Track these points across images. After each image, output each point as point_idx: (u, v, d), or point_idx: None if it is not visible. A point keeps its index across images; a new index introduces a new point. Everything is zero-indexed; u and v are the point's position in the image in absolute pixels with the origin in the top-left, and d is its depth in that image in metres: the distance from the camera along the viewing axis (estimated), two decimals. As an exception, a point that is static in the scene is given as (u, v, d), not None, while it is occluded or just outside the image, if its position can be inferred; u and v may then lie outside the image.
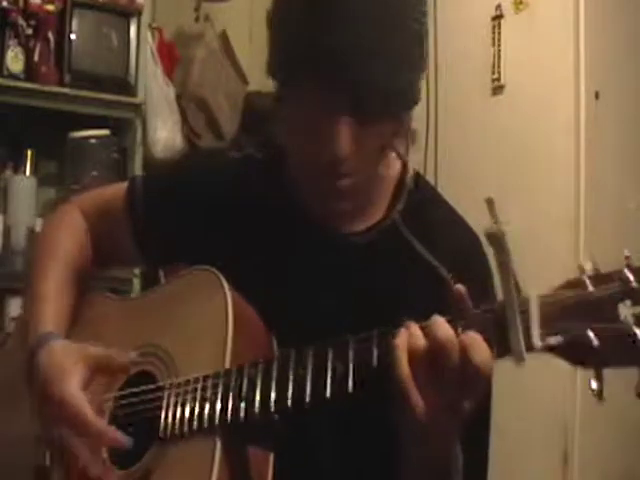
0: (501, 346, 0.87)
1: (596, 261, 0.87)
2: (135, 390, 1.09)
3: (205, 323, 1.06)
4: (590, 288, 0.85)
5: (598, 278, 0.86)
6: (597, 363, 0.83)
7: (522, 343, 0.84)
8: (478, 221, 1.19)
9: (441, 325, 0.89)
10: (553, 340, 0.84)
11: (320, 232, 1.15)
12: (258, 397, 0.97)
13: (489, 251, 1.11)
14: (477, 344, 0.87)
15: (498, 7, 3.04)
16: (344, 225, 1.16)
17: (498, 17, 3.05)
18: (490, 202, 0.86)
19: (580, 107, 2.82)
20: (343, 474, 1.11)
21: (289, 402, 0.95)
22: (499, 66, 3.05)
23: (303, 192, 1.16)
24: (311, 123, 1.05)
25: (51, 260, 1.24)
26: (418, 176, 1.20)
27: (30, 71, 2.82)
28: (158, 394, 1.05)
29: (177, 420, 1.01)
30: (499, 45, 3.05)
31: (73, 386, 1.05)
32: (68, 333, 1.17)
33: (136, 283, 2.98)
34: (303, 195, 1.16)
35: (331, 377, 0.93)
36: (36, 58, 2.82)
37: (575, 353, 0.84)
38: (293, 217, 1.16)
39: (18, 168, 2.95)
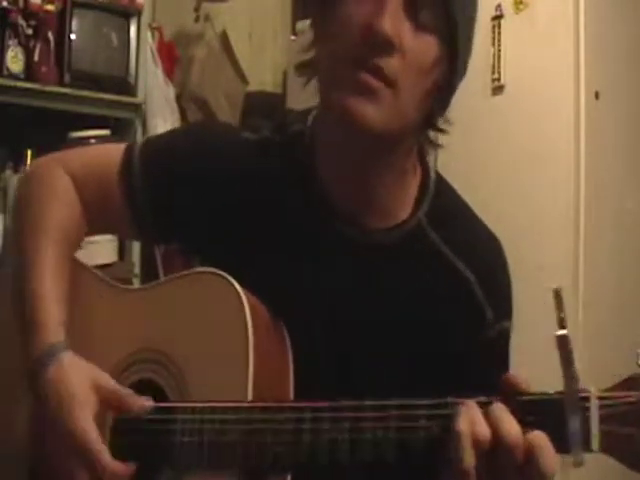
0: (558, 445, 0.84)
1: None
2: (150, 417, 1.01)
3: (221, 338, 1.00)
4: None
5: None
6: None
7: (582, 448, 0.83)
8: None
9: (506, 419, 0.85)
10: (611, 445, 0.83)
11: (344, 227, 1.09)
12: (288, 451, 0.92)
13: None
14: (544, 446, 0.83)
15: (498, 7, 3.04)
16: (370, 222, 1.10)
17: (498, 17, 3.04)
18: (558, 295, 0.84)
19: (580, 107, 2.82)
20: None
21: (323, 460, 0.91)
22: (499, 66, 3.05)
23: (326, 175, 1.09)
24: (354, 6, 0.97)
25: (45, 238, 1.11)
26: (440, 178, 1.17)
27: (30, 71, 2.82)
28: (171, 416, 0.99)
29: (194, 450, 0.96)
30: (499, 45, 3.05)
31: (86, 420, 0.97)
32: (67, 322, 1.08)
33: (136, 283, 2.98)
34: (325, 182, 1.09)
35: (371, 444, 0.89)
36: (36, 58, 2.82)
37: (632, 458, 0.83)
38: (315, 211, 1.10)
39: (18, 168, 2.94)
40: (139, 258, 3.05)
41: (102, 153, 1.22)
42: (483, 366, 1.06)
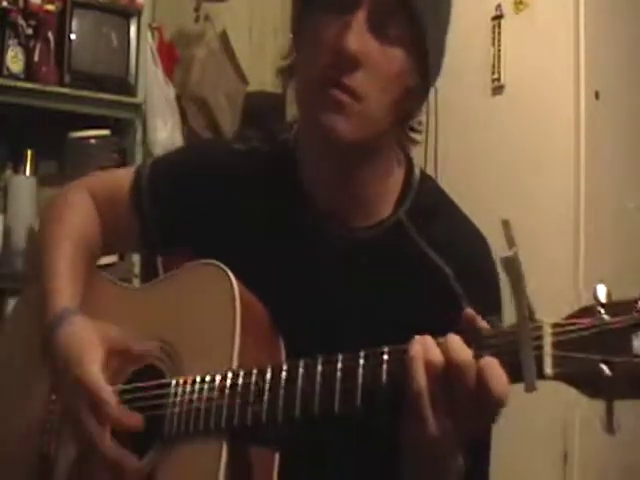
0: (512, 372, 0.86)
1: (610, 288, 0.86)
2: (141, 385, 1.08)
3: (212, 319, 1.06)
4: (604, 318, 0.84)
5: (612, 307, 0.84)
6: (609, 395, 0.83)
7: (534, 372, 0.84)
8: (477, 221, 1.20)
9: (458, 345, 0.88)
10: (565, 370, 0.84)
11: (327, 225, 1.15)
12: (266, 407, 0.97)
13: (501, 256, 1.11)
14: (494, 370, 0.86)
15: (498, 7, 3.05)
16: (352, 220, 1.15)
17: (498, 17, 3.05)
18: (506, 224, 0.85)
19: (580, 107, 2.83)
20: (347, 473, 1.11)
21: (297, 413, 0.95)
22: (499, 66, 3.05)
23: (308, 177, 1.16)
24: (323, 27, 1.05)
25: (64, 238, 1.22)
26: (424, 175, 1.20)
27: (30, 71, 2.82)
28: (164, 391, 1.05)
29: (183, 419, 1.01)
30: (499, 45, 3.05)
31: (95, 369, 1.05)
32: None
33: (136, 283, 2.98)
34: (308, 184, 1.16)
35: (339, 394, 0.93)
36: (36, 58, 2.82)
37: (587, 384, 0.84)
38: (299, 211, 1.16)
39: (18, 168, 2.95)
40: (139, 258, 3.05)
41: (118, 175, 1.34)
42: None
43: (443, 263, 1.12)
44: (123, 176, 1.29)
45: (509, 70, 3.04)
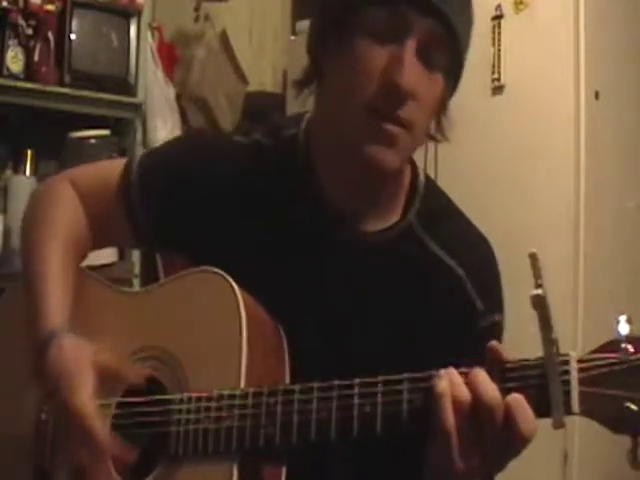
0: (539, 408, 0.86)
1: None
2: (141, 400, 1.05)
3: (216, 331, 1.03)
4: (629, 353, 0.84)
5: (637, 342, 0.84)
6: (634, 431, 0.83)
7: (562, 410, 0.84)
8: (477, 221, 1.20)
9: (485, 381, 0.87)
10: (591, 407, 0.84)
11: (339, 229, 1.12)
12: (279, 432, 0.95)
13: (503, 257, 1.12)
14: (522, 408, 0.86)
15: (498, 7, 3.04)
16: (364, 224, 1.13)
17: (498, 17, 3.04)
18: (534, 257, 0.86)
19: (580, 107, 2.82)
20: None
21: (312, 437, 0.94)
22: (499, 66, 3.05)
23: (324, 177, 1.12)
24: (369, 55, 1.02)
25: (51, 243, 1.18)
26: (429, 180, 1.20)
27: (30, 71, 2.82)
28: (168, 407, 1.02)
29: (190, 438, 0.99)
30: (499, 45, 3.05)
31: (85, 398, 1.01)
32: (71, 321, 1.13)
33: (136, 283, 2.98)
34: (322, 185, 1.12)
35: (357, 420, 0.91)
36: (36, 58, 2.82)
37: (612, 420, 0.84)
38: (310, 210, 1.13)
39: (18, 168, 2.95)
40: (139, 258, 3.05)
41: (105, 169, 1.27)
42: (477, 357, 1.07)
43: (455, 264, 1.12)
44: (112, 170, 1.23)
45: (509, 70, 3.03)
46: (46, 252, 1.17)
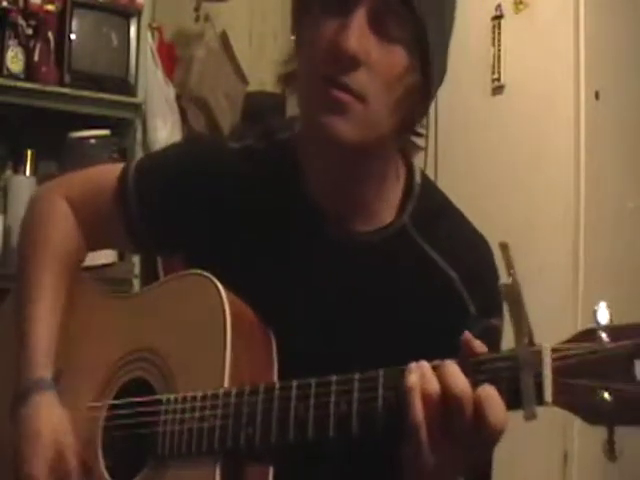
0: (511, 400, 0.85)
1: (611, 311, 0.84)
2: (131, 401, 1.07)
3: (202, 332, 1.04)
4: (605, 343, 0.82)
5: (613, 331, 0.82)
6: (610, 422, 0.82)
7: (534, 401, 0.83)
8: (477, 221, 1.20)
9: (455, 374, 0.87)
10: (565, 397, 0.82)
11: (330, 230, 1.13)
12: (259, 431, 0.96)
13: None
14: (493, 400, 0.85)
15: (498, 7, 3.05)
16: (355, 225, 1.13)
17: (498, 17, 3.05)
18: (505, 248, 0.84)
19: (580, 107, 2.83)
20: None
21: (291, 437, 0.94)
22: (499, 66, 3.05)
23: (311, 178, 1.13)
24: (322, 27, 1.02)
25: (42, 261, 1.21)
26: (425, 179, 1.19)
27: (30, 71, 2.82)
28: (156, 408, 1.03)
29: (176, 438, 1.00)
30: (499, 45, 3.05)
31: (37, 469, 1.06)
32: (61, 326, 1.17)
33: (136, 283, 2.98)
34: (310, 186, 1.13)
35: (334, 418, 0.92)
36: (36, 58, 2.82)
37: (587, 411, 0.83)
38: (300, 213, 1.13)
39: (18, 168, 2.95)
40: (139, 258, 3.05)
41: (99, 175, 1.29)
42: None
43: (448, 266, 1.11)
44: (106, 176, 1.24)
45: (509, 70, 3.04)
46: (39, 286, 1.19)
